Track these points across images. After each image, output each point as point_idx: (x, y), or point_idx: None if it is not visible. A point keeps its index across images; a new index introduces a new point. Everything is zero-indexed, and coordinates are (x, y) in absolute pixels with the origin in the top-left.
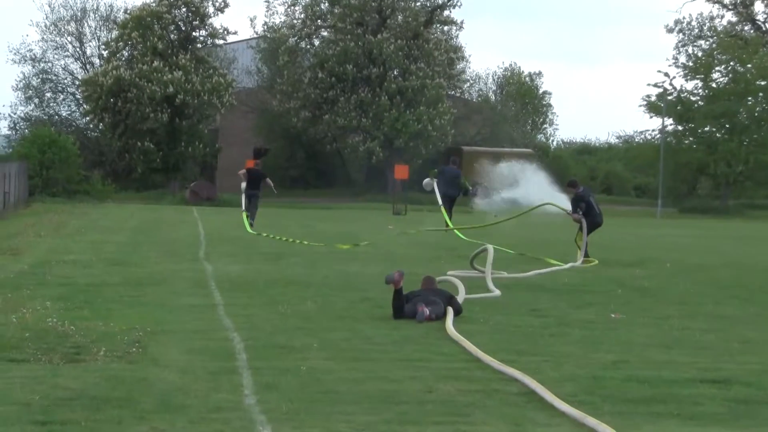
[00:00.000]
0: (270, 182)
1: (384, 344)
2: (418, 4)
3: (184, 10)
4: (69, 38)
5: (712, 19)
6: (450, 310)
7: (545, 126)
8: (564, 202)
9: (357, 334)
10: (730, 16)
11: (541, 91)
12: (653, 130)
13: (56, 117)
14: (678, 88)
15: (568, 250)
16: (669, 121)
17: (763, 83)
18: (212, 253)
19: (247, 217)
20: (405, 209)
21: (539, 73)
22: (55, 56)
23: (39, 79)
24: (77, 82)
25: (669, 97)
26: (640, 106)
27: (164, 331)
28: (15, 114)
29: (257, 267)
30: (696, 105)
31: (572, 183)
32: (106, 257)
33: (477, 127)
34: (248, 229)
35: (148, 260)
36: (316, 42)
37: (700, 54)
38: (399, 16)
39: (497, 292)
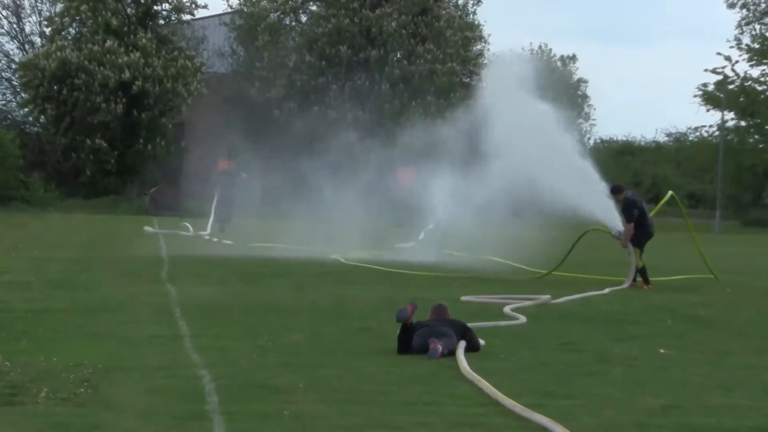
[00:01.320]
0: (245, 177)
1: (386, 384)
2: None
3: None
4: (4, 12)
5: None
6: (462, 344)
7: (580, 121)
8: (614, 220)
9: (353, 371)
10: None
11: (575, 79)
12: (710, 126)
13: None
14: (741, 75)
15: (613, 272)
16: (730, 115)
17: None
18: (177, 273)
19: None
20: (410, 221)
21: (573, 57)
22: None
23: None
24: (14, 66)
25: (730, 87)
26: (695, 97)
27: (119, 367)
28: None
29: (232, 290)
30: (763, 96)
31: (616, 189)
32: (49, 278)
33: None
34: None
35: (99, 282)
36: (303, 18)
37: None
38: None
39: (522, 319)
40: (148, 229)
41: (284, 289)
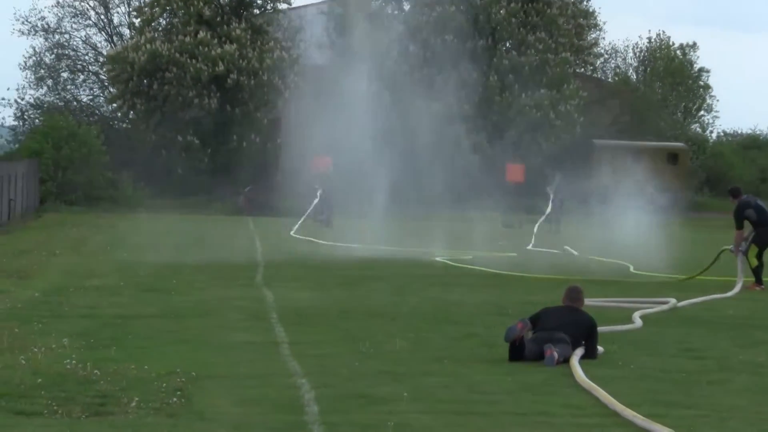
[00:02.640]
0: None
1: (494, 393)
2: None
3: None
4: (91, 3)
5: None
6: (578, 351)
7: (702, 113)
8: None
9: (459, 380)
10: None
11: (696, 69)
12: None
13: (75, 103)
14: None
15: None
16: None
17: None
18: (273, 276)
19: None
20: (519, 221)
21: (694, 45)
22: (74, 26)
23: (53, 55)
24: (101, 59)
25: None
26: None
27: (212, 376)
28: (23, 100)
29: (330, 294)
30: None
31: (734, 191)
32: (139, 282)
33: (613, 115)
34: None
35: (191, 286)
36: (406, 6)
37: None
38: None
39: (638, 323)
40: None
41: (385, 293)
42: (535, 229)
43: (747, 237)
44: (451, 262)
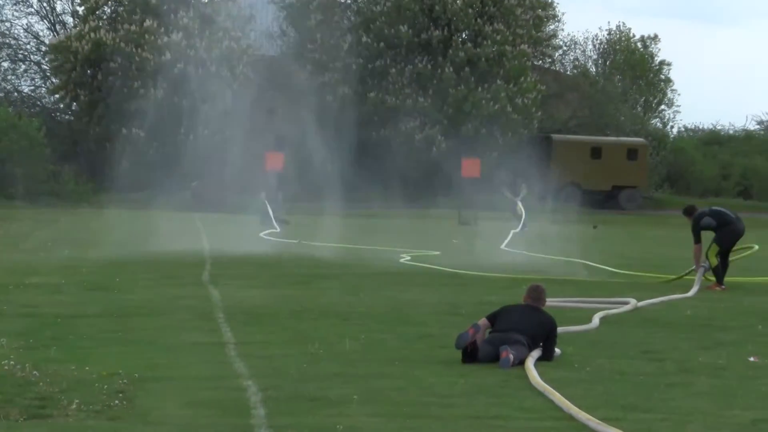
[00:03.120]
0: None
1: (449, 396)
2: None
3: None
4: None
5: None
6: (534, 354)
7: (662, 108)
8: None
9: (413, 382)
10: None
11: (657, 61)
12: None
13: (15, 94)
14: None
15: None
16: None
17: None
18: (221, 274)
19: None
20: (475, 218)
21: (655, 37)
22: (15, 13)
23: None
24: (44, 49)
25: None
26: None
27: (157, 377)
28: None
29: (281, 293)
30: None
31: (690, 210)
32: (81, 280)
33: (572, 109)
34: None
35: (135, 284)
36: None
37: None
38: None
39: (594, 323)
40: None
41: (337, 292)
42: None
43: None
44: (410, 262)
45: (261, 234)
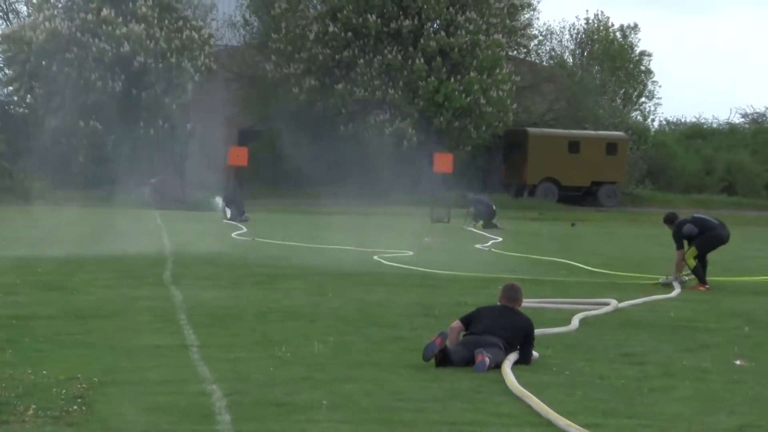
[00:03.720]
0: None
1: (420, 401)
2: None
3: None
4: None
5: None
6: (510, 357)
7: (643, 100)
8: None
9: (383, 386)
10: None
11: (637, 52)
12: None
13: None
14: None
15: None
16: None
17: None
18: (182, 274)
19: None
20: (448, 215)
21: (635, 27)
22: None
23: None
24: None
25: None
26: None
27: (117, 381)
28: None
29: (245, 294)
30: None
31: (670, 218)
32: (37, 280)
33: (548, 102)
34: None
35: (94, 284)
36: None
37: None
38: None
39: (574, 325)
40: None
41: (304, 293)
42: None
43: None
44: (382, 261)
45: (233, 234)
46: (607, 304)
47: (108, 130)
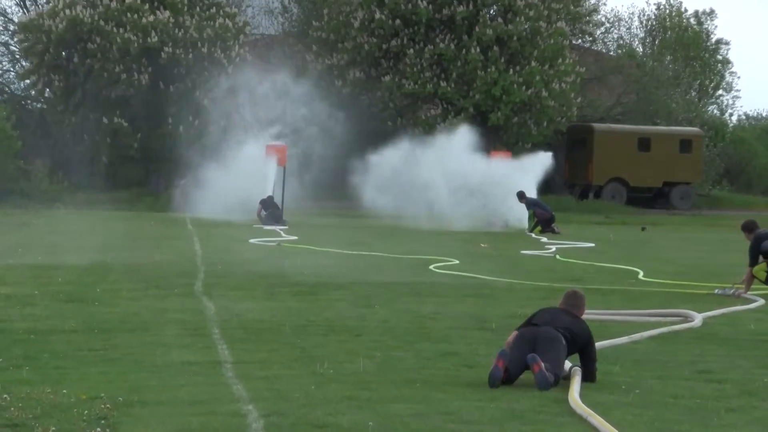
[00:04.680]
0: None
1: (476, 423)
2: None
3: None
4: None
5: None
6: (576, 372)
7: (720, 93)
8: None
9: (434, 406)
10: None
11: (713, 40)
12: None
13: None
14: None
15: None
16: None
17: None
18: (215, 284)
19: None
20: (504, 219)
21: (711, 13)
22: None
23: None
24: (12, 28)
25: None
26: None
27: (143, 401)
28: None
29: (283, 305)
30: None
31: (749, 225)
32: (57, 290)
33: (616, 95)
34: None
35: (118, 295)
36: None
37: None
38: None
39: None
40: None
41: (347, 304)
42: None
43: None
44: (436, 269)
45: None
46: (685, 316)
47: (133, 128)
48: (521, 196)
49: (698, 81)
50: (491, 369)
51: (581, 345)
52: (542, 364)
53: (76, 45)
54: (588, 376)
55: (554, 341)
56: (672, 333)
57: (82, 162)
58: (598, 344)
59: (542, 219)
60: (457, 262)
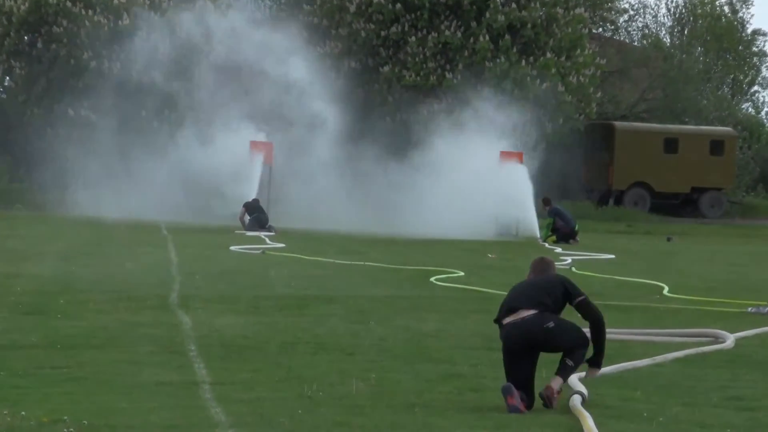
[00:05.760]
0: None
1: None
2: None
3: None
4: None
5: None
6: (576, 399)
7: (756, 89)
8: None
9: None
10: None
11: (748, 31)
12: None
13: None
14: None
15: None
16: None
17: None
18: (192, 296)
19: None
20: (516, 227)
21: (746, 1)
22: None
23: None
24: None
25: None
26: None
27: (112, 426)
28: None
29: (268, 320)
30: None
31: None
32: (15, 301)
33: (640, 90)
34: None
35: (85, 307)
36: None
37: None
38: None
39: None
40: None
41: (340, 320)
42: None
43: None
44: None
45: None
46: (712, 336)
47: (103, 121)
48: (547, 202)
49: (731, 75)
50: (508, 410)
51: (559, 295)
52: (516, 396)
53: (41, 28)
54: (591, 321)
55: (547, 333)
56: (700, 355)
57: (45, 159)
58: (617, 366)
59: (562, 232)
60: (462, 273)
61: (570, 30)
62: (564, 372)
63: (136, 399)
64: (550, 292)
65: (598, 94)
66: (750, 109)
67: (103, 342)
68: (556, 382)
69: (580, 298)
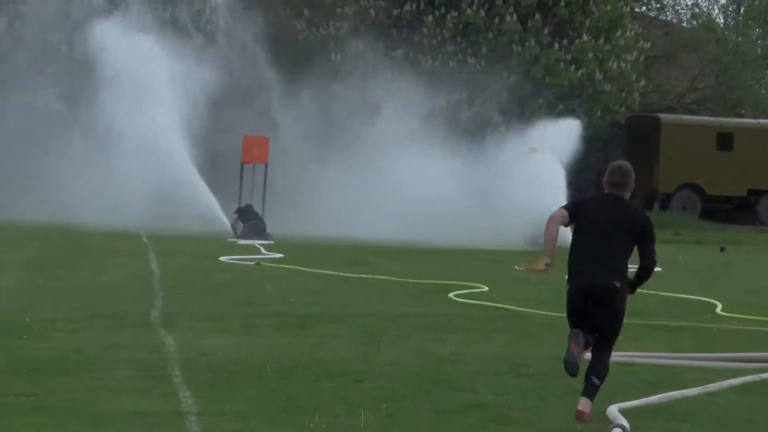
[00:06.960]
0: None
1: None
2: None
3: None
4: None
5: None
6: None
7: None
8: None
9: None
10: None
11: None
12: None
13: None
14: None
15: None
16: None
17: None
18: (177, 313)
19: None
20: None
21: None
22: None
23: None
24: None
25: None
26: None
27: None
28: None
29: (263, 341)
30: None
31: None
32: None
33: (689, 78)
34: None
35: (54, 326)
36: None
37: None
38: None
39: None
40: None
41: (346, 341)
42: None
43: None
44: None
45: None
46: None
47: (73, 112)
48: None
49: None
50: (566, 356)
51: (638, 235)
52: (580, 344)
53: (2, 6)
54: (646, 263)
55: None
56: (758, 382)
57: (5, 156)
58: (664, 396)
59: None
60: (486, 288)
61: (609, 8)
62: (591, 392)
63: (112, 431)
64: (631, 228)
65: (642, 83)
66: None
67: (75, 366)
68: (586, 406)
69: (650, 245)
